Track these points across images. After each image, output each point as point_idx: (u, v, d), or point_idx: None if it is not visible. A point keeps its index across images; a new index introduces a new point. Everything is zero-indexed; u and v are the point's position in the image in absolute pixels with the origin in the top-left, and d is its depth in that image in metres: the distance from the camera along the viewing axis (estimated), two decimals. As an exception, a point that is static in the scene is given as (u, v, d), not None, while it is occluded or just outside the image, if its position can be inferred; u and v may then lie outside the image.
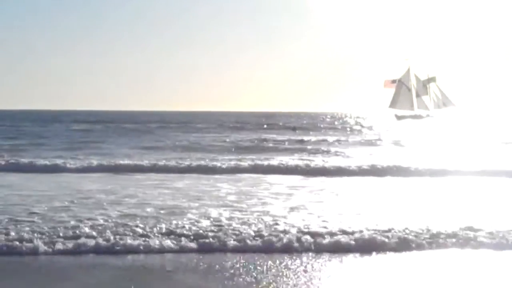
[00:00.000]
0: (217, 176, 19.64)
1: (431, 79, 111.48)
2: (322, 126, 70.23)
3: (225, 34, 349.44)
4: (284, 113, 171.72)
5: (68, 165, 21.86)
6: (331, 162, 24.01)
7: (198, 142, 37.70)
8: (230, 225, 10.87)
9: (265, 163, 23.13)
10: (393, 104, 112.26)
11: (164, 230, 10.31)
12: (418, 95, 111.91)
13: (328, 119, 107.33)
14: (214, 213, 12.30)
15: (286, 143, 37.50)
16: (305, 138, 43.52)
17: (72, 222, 11.10)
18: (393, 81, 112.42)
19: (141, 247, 9.42)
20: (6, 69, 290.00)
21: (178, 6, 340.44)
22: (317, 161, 24.48)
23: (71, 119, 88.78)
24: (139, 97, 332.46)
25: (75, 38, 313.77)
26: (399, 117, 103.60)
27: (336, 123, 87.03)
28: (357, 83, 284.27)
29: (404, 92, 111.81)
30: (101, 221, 11.21)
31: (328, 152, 30.13)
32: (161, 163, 22.58)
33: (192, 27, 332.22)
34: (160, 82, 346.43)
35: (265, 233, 10.06)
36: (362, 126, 69.17)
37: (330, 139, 41.78)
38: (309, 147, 33.81)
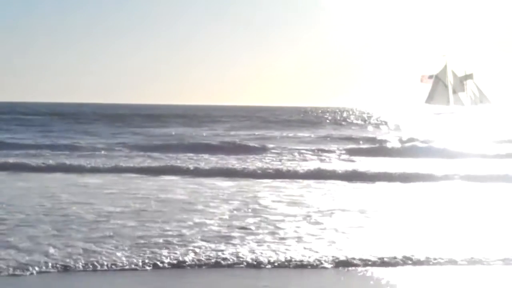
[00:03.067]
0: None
1: (468, 76, 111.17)
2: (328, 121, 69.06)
3: (231, 27, 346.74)
4: (302, 108, 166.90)
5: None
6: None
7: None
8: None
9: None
10: (429, 99, 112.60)
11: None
12: (454, 92, 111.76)
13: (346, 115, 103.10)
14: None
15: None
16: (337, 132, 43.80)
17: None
18: (430, 77, 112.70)
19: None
20: (14, 61, 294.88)
21: (182, 2, 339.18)
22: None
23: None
24: (145, 90, 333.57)
25: (78, 32, 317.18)
26: (436, 114, 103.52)
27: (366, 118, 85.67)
28: (386, 78, 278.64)
29: (441, 88, 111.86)
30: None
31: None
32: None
33: (198, 21, 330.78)
34: (165, 76, 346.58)
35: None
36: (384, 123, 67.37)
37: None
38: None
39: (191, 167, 20.47)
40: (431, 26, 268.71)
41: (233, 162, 22.51)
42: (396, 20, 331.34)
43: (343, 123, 65.86)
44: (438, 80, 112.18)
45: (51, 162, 21.47)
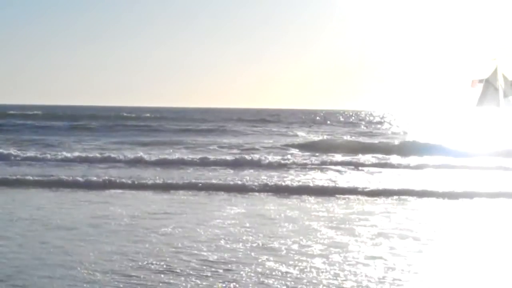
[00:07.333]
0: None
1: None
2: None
3: (244, 28, 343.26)
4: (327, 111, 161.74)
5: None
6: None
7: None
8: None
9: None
10: (480, 103, 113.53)
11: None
12: (505, 95, 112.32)
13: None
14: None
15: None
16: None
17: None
18: (480, 81, 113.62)
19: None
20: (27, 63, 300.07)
21: (195, 4, 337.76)
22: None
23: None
24: (158, 93, 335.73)
25: (91, 32, 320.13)
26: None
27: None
28: (437, 83, 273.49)
29: (491, 92, 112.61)
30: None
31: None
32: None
33: (210, 24, 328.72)
34: (177, 78, 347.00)
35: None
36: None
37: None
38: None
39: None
40: (481, 30, 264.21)
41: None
42: (446, 23, 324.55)
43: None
44: (489, 84, 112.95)
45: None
